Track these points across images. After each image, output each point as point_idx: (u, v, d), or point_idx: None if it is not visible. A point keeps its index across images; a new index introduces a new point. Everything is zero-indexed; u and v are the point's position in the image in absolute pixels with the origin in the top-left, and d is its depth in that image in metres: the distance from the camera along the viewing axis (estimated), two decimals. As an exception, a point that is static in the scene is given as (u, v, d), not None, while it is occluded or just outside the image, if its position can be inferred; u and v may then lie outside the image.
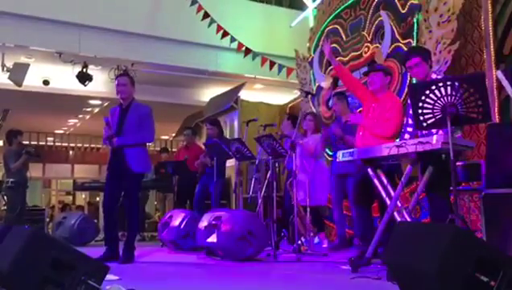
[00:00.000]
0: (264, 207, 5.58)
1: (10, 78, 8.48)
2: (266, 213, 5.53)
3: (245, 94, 9.79)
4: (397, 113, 4.04)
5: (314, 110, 6.71)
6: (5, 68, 8.58)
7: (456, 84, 2.92)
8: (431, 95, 2.98)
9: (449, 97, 2.94)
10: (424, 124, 3.10)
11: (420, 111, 3.06)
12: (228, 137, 8.34)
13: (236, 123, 9.47)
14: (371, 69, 4.36)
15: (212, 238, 4.55)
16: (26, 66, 8.57)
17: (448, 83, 2.94)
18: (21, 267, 2.20)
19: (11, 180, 6.87)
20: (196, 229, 4.90)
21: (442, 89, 2.95)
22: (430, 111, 3.03)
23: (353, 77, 4.59)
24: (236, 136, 8.74)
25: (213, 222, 4.61)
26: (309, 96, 6.37)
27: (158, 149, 17.28)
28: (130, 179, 4.52)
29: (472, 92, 2.90)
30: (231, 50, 9.09)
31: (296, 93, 8.69)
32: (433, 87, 2.98)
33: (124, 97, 4.64)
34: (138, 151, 4.57)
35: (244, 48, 8.80)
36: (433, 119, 3.04)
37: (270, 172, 5.26)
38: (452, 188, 3.02)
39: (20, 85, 8.58)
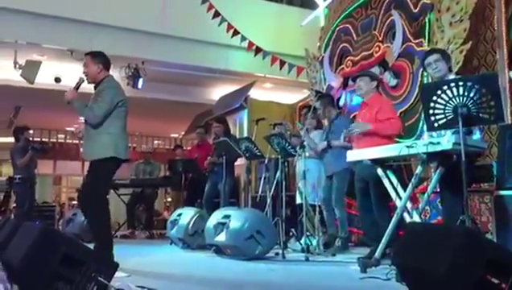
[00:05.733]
0: (273, 206, 5.57)
1: (22, 75, 8.56)
2: (275, 212, 5.53)
3: (254, 93, 9.78)
4: (391, 110, 4.26)
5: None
6: (17, 66, 8.65)
7: (468, 84, 2.89)
8: (442, 95, 2.95)
9: (461, 98, 2.91)
10: (435, 124, 3.08)
11: (431, 112, 3.04)
12: (237, 136, 8.35)
13: (245, 122, 9.47)
14: (357, 75, 4.51)
15: (221, 237, 4.56)
16: (38, 63, 8.65)
17: (460, 83, 2.92)
18: (32, 262, 2.22)
19: (18, 176, 6.93)
20: (205, 228, 4.91)
21: (454, 90, 2.92)
22: (441, 112, 3.00)
23: None
24: (245, 135, 8.74)
25: (222, 221, 4.62)
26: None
27: (168, 147, 17.45)
28: (89, 168, 3.95)
29: (485, 92, 2.87)
30: (241, 49, 9.07)
31: (306, 93, 8.67)
32: (445, 87, 2.95)
33: (90, 80, 4.01)
34: (96, 134, 3.87)
35: (254, 47, 8.79)
36: (444, 120, 3.02)
37: (279, 171, 5.26)
38: (463, 189, 2.99)
39: (32, 82, 8.65)
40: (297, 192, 5.85)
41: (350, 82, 6.42)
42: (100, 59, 4.00)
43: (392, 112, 4.25)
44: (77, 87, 3.91)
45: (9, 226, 3.99)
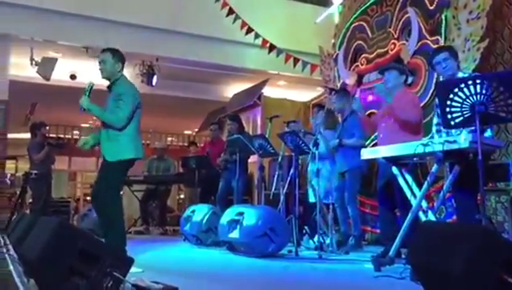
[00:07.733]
0: (286, 204, 5.57)
1: (38, 72, 8.67)
2: (288, 209, 5.52)
3: (268, 90, 9.79)
4: (415, 108, 4.12)
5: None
6: (33, 63, 8.76)
7: (486, 82, 2.86)
8: (459, 93, 2.92)
9: (478, 96, 2.87)
10: (452, 122, 3.04)
11: (448, 109, 3.00)
12: (251, 133, 8.35)
13: (259, 119, 9.47)
14: (386, 68, 4.41)
15: (234, 234, 4.57)
16: (54, 60, 8.75)
17: (478, 81, 2.88)
18: (49, 257, 2.24)
19: (34, 171, 7.02)
20: (219, 225, 4.92)
21: (471, 87, 2.88)
22: (458, 110, 2.97)
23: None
24: (258, 132, 8.74)
25: (236, 218, 4.62)
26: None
27: (181, 144, 17.52)
28: (104, 167, 3.94)
29: (502, 90, 2.83)
30: (255, 46, 9.08)
31: (320, 90, 8.64)
32: (462, 85, 2.92)
33: (105, 77, 3.99)
34: (116, 135, 3.87)
35: (268, 45, 8.78)
36: (461, 118, 2.98)
37: (292, 169, 5.25)
38: (480, 188, 2.96)
39: (48, 79, 8.76)
40: (309, 190, 5.84)
41: (370, 78, 6.36)
42: (119, 57, 4.00)
43: (414, 110, 4.10)
44: (89, 93, 3.89)
45: (25, 221, 4.04)
